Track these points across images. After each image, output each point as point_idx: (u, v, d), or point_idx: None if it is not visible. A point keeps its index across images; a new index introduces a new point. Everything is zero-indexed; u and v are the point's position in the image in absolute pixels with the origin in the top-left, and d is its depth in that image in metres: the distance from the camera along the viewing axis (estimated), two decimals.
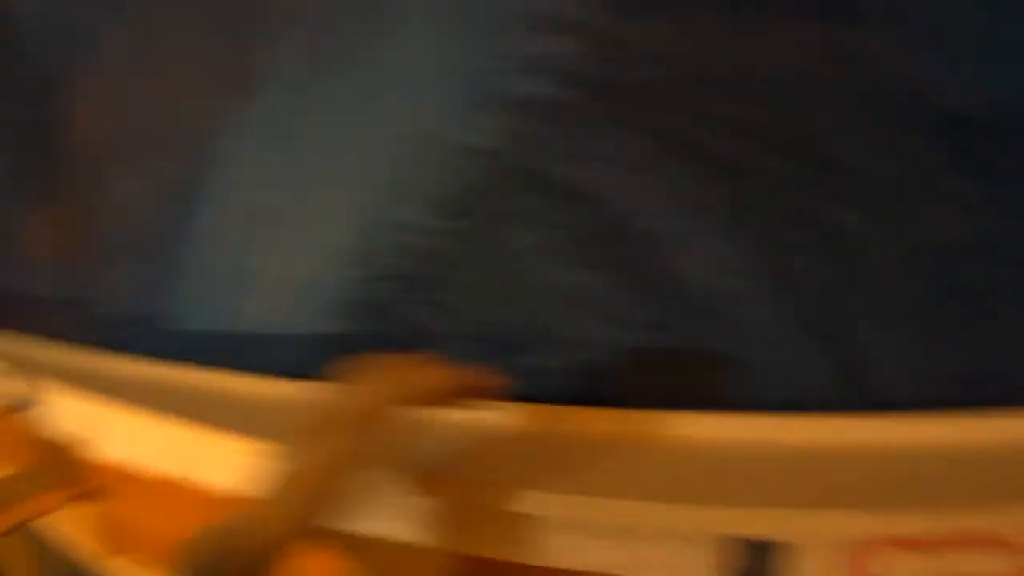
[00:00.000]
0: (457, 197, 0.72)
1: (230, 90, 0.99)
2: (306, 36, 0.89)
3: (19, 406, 1.40)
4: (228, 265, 1.02)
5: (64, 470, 1.28)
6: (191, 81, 1.08)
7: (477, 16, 0.73)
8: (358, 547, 0.68)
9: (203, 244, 1.06)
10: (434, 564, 0.65)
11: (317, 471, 0.52)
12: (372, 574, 0.68)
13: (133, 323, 1.22)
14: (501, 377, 0.60)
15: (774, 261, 0.63)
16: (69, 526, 1.32)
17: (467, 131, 0.72)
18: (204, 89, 1.07)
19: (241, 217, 1.00)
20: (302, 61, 0.89)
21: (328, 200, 0.84)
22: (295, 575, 0.51)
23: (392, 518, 0.65)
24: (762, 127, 0.63)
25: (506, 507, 0.59)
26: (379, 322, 0.75)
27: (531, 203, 0.68)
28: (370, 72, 0.80)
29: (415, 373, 0.55)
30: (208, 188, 1.06)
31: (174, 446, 0.93)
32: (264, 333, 0.94)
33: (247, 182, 0.98)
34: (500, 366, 0.66)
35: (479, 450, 0.64)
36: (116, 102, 1.29)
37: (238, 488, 0.70)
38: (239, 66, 0.96)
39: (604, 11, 0.67)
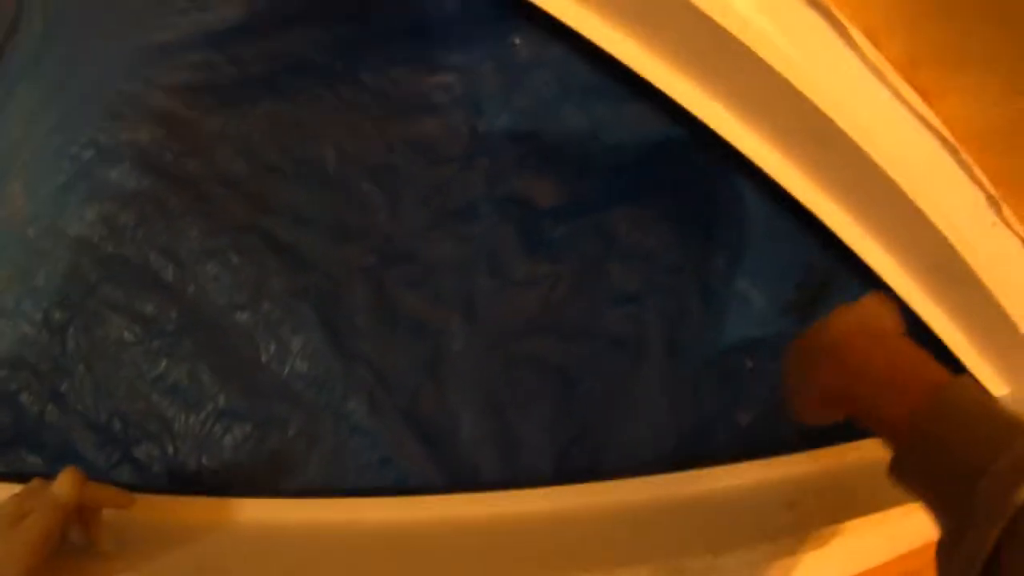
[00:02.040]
0: (65, 288, 0.75)
1: None
2: None
3: None
4: None
5: None
6: None
7: (68, 102, 0.75)
8: None
9: None
10: None
11: None
12: None
13: None
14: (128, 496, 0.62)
15: (354, 348, 0.71)
16: None
17: (70, 220, 0.74)
18: None
19: None
20: None
21: None
22: None
23: None
24: (330, 216, 0.71)
25: None
26: (3, 411, 0.78)
27: (123, 294, 0.73)
28: None
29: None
30: None
31: None
32: None
33: None
34: (116, 457, 0.71)
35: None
36: None
37: None
38: None
39: (179, 99, 0.71)
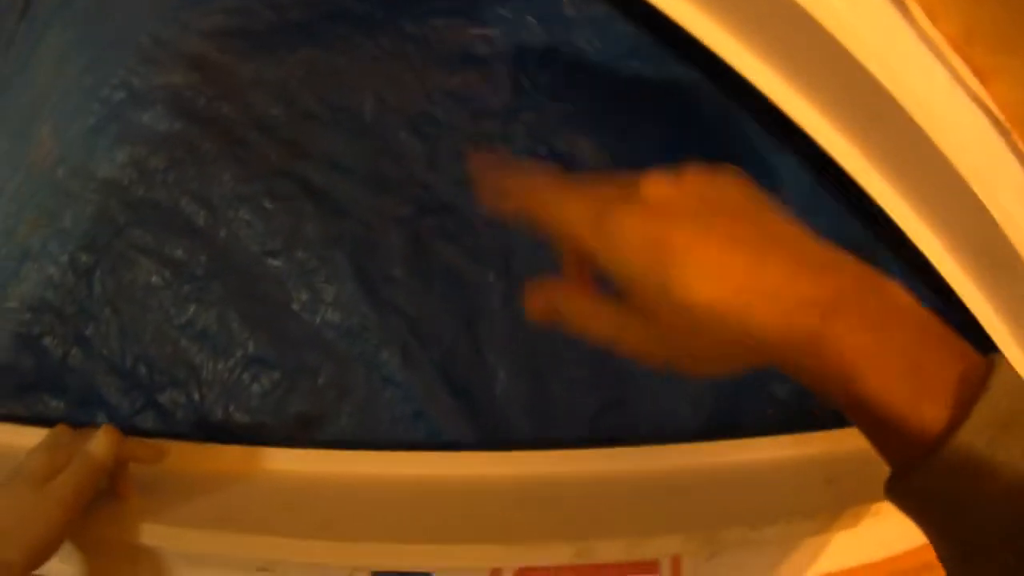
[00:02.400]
0: (92, 230, 0.74)
1: None
2: None
3: None
4: None
5: None
6: None
7: (99, 44, 0.75)
8: None
9: None
10: None
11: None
12: None
13: None
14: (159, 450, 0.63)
15: (389, 298, 0.70)
16: None
17: (100, 162, 0.73)
18: None
19: None
20: None
21: None
22: None
23: None
24: (368, 164, 0.70)
25: (139, 542, 0.63)
26: (26, 355, 0.77)
27: (152, 238, 0.72)
28: (13, 94, 0.80)
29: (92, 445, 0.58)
30: None
31: None
32: None
33: None
34: (141, 402, 0.70)
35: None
36: None
37: None
38: None
39: (214, 44, 0.71)
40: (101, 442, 0.58)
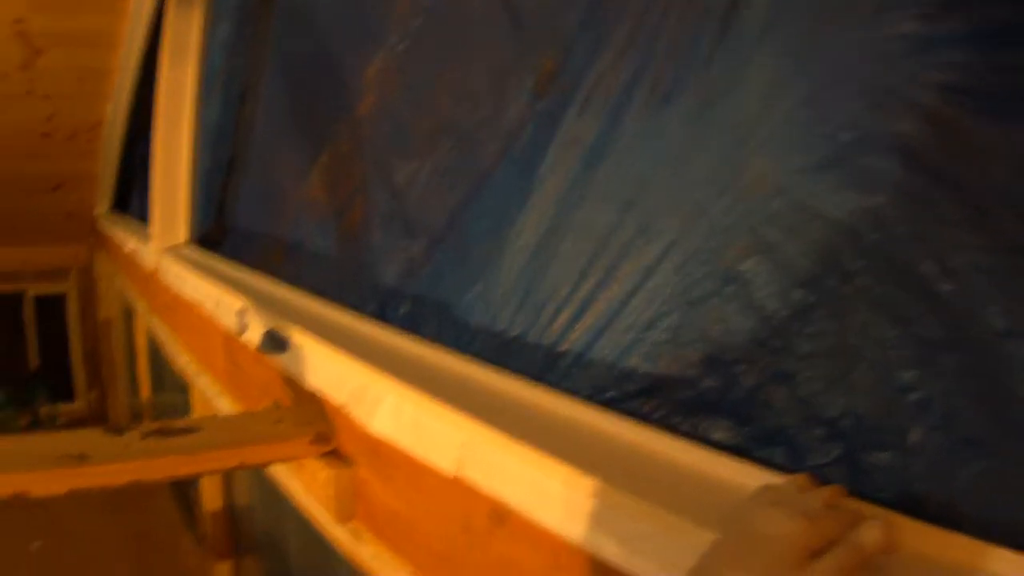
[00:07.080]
0: (814, 270, 0.77)
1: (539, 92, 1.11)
2: (639, 58, 0.99)
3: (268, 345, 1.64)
4: (522, 270, 1.16)
5: (317, 421, 1.51)
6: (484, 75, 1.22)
7: (814, 79, 0.81)
8: None
9: (496, 243, 1.22)
10: None
11: None
12: None
13: (400, 298, 1.41)
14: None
15: None
16: (306, 480, 1.50)
17: (825, 202, 0.77)
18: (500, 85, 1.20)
19: (546, 225, 1.13)
20: (643, 82, 1.00)
21: (659, 235, 0.94)
22: None
23: None
24: None
25: None
26: (710, 375, 0.86)
27: (882, 291, 0.72)
28: (717, 114, 0.89)
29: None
30: (504, 186, 1.21)
31: (451, 437, 1.05)
32: (560, 350, 1.08)
33: (557, 192, 1.11)
34: (836, 455, 0.75)
35: None
36: (406, 87, 1.46)
37: (522, 503, 0.84)
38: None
39: (942, 99, 0.72)
40: (877, 537, 0.58)
